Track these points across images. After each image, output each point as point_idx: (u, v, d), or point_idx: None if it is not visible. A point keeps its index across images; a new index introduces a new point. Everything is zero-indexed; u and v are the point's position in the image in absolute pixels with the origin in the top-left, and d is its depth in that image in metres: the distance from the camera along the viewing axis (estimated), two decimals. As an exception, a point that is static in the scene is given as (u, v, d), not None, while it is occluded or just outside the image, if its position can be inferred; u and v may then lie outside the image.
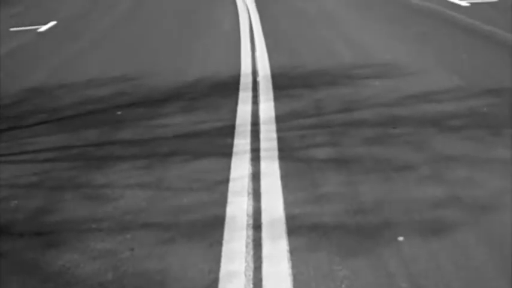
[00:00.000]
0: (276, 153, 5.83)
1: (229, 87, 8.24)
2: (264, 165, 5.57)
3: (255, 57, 9.84)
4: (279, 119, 6.81)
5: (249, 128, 6.59)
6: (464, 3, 13.47)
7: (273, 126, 6.57)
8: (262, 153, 5.83)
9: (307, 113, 7.01)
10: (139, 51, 11.56)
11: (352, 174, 5.24)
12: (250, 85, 8.28)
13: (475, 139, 5.85)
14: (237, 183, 5.23)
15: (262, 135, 6.33)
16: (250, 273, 3.94)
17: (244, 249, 4.20)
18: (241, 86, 8.24)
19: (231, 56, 10.14)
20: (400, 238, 4.19)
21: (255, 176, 5.33)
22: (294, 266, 3.96)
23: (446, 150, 5.62)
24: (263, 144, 6.07)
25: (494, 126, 6.13)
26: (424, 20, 12.39)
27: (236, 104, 7.48)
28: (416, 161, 5.42)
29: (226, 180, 5.29)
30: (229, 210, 4.76)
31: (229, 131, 6.53)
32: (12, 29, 15.22)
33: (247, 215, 4.65)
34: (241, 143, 6.16)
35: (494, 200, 4.62)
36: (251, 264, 4.03)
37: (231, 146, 6.10)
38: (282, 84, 8.23)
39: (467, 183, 4.92)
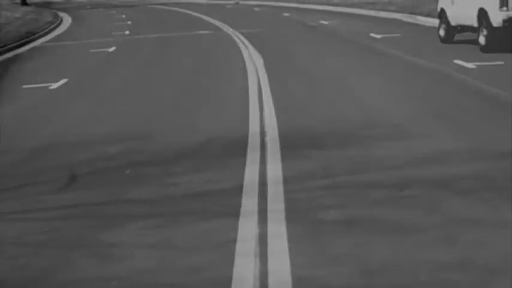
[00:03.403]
0: (283, 214, 5.85)
1: (237, 147, 8.30)
2: (271, 226, 5.59)
3: (263, 118, 9.92)
4: (287, 180, 6.84)
5: (256, 188, 6.63)
6: (470, 66, 13.61)
7: (281, 187, 6.60)
8: (270, 215, 5.86)
9: (315, 174, 7.05)
10: (149, 109, 11.66)
11: (359, 237, 5.26)
12: (258, 145, 8.34)
13: (483, 202, 5.87)
14: (245, 244, 5.24)
15: (269, 196, 6.36)
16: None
17: (251, 311, 4.21)
18: (250, 146, 8.30)
19: (240, 115, 10.22)
20: (408, 302, 4.19)
21: (262, 238, 5.35)
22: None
23: (454, 213, 5.64)
24: (270, 205, 6.10)
25: (501, 189, 6.15)
26: (432, 81, 12.51)
27: (244, 164, 7.53)
28: (425, 224, 5.44)
29: (234, 241, 5.31)
30: (237, 271, 4.77)
31: (237, 191, 6.56)
32: (24, 86, 15.40)
33: (254, 277, 4.66)
34: (249, 203, 6.19)
35: (504, 263, 4.62)
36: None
37: (239, 206, 6.13)
38: (289, 144, 8.29)
39: (476, 247, 4.93)
